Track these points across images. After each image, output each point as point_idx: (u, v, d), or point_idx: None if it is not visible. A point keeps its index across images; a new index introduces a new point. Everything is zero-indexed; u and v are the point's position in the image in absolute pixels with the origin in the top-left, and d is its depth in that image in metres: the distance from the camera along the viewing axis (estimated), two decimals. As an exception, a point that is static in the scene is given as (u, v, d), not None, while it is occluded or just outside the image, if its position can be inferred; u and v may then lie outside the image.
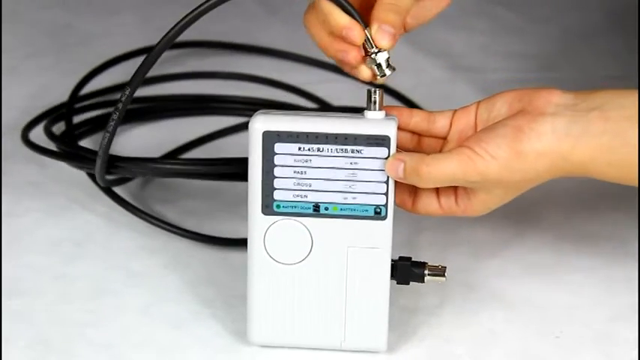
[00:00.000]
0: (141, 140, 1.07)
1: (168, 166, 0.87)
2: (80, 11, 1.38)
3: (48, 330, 0.80)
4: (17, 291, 0.84)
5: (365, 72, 0.73)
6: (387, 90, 1.13)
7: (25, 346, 0.78)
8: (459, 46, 1.27)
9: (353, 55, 0.72)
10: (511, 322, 0.80)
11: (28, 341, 0.79)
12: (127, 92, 0.77)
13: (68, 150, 0.92)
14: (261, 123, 0.71)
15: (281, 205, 0.72)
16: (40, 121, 1.03)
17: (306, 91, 1.15)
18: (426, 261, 0.76)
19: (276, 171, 0.72)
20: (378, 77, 0.73)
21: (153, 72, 1.16)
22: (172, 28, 0.73)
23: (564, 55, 1.26)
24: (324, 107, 1.11)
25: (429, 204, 0.75)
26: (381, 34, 0.72)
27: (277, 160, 0.72)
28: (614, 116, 0.70)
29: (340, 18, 0.71)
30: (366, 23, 0.72)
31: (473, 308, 0.82)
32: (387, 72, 0.73)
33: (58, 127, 1.03)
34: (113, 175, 0.88)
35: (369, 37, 0.72)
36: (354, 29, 0.71)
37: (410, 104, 1.13)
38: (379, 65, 0.72)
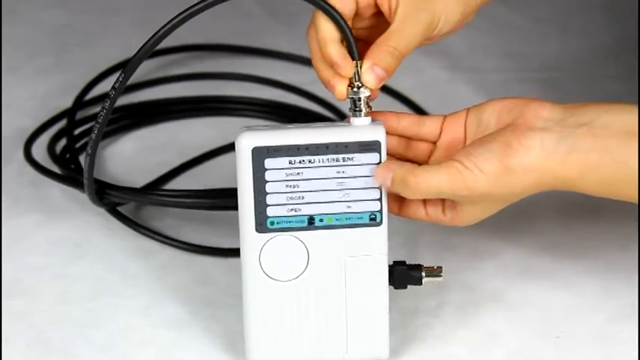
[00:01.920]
0: (142, 143, 1.07)
1: (160, 198, 0.87)
2: (80, 11, 1.38)
3: (48, 330, 0.80)
4: (17, 291, 0.84)
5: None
6: (387, 90, 1.13)
7: (25, 346, 0.78)
8: (459, 46, 1.27)
9: (338, 91, 0.71)
10: (511, 323, 0.80)
11: (28, 341, 0.79)
12: (103, 113, 0.75)
13: (69, 175, 0.92)
14: (249, 139, 0.70)
15: (275, 222, 0.71)
16: (42, 132, 1.04)
17: (306, 91, 1.15)
18: (420, 263, 0.75)
19: (268, 187, 0.70)
20: (350, 112, 0.71)
21: (154, 74, 1.17)
22: (147, 42, 0.72)
23: (564, 55, 1.26)
24: (330, 108, 1.11)
25: (415, 211, 0.75)
26: (371, 75, 0.71)
27: (268, 175, 0.70)
28: (602, 133, 0.69)
29: (333, 52, 0.71)
30: (361, 54, 0.71)
31: (473, 309, 0.82)
32: (364, 109, 0.71)
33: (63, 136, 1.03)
34: (106, 199, 0.88)
35: (358, 69, 0.71)
36: (343, 67, 0.71)
37: (410, 104, 1.13)
38: (357, 100, 0.71)
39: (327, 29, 0.71)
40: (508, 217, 0.93)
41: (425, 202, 0.74)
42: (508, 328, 0.80)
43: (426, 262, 0.76)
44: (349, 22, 0.72)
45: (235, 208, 0.72)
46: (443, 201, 0.74)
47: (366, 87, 0.71)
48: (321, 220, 0.71)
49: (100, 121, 0.74)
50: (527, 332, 0.80)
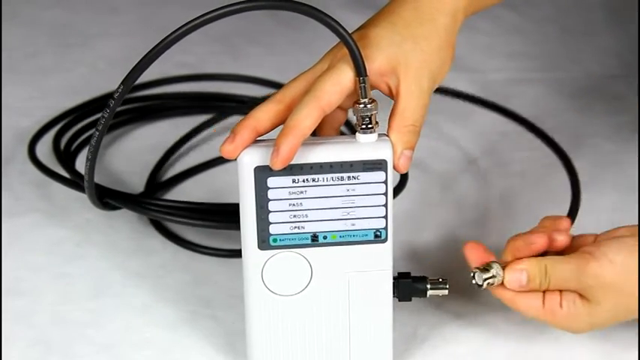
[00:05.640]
0: (142, 141, 1.07)
1: (158, 214, 0.86)
2: (80, 11, 1.38)
3: (48, 330, 0.80)
4: (17, 291, 0.84)
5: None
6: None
7: (25, 346, 0.78)
8: (460, 46, 1.27)
9: (229, 146, 0.68)
10: (512, 322, 0.80)
11: (28, 341, 0.79)
12: (103, 121, 0.74)
13: (72, 178, 0.92)
14: (251, 158, 0.68)
15: (278, 239, 0.70)
16: (45, 132, 1.04)
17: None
18: (425, 275, 0.75)
19: (271, 205, 0.69)
20: (357, 128, 0.69)
21: (154, 75, 1.17)
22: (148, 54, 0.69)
23: (565, 55, 1.26)
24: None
25: (531, 301, 0.73)
26: (405, 162, 0.70)
27: (271, 194, 0.69)
28: None
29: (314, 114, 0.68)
30: None
31: (473, 308, 0.82)
32: (371, 126, 0.69)
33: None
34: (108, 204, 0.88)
35: (365, 85, 0.68)
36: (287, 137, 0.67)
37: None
38: (365, 117, 0.69)
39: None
40: (509, 216, 0.93)
41: (544, 292, 0.73)
42: (508, 328, 0.80)
43: (426, 263, 0.76)
44: (332, 108, 0.69)
45: (233, 228, 0.70)
46: (561, 293, 0.73)
47: (399, 172, 0.71)
48: (324, 238, 0.70)
49: (100, 128, 0.73)
50: (527, 332, 0.79)
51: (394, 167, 0.70)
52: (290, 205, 0.69)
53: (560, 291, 0.73)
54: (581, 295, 0.72)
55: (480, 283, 0.73)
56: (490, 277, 0.73)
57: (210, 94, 1.14)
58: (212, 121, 1.07)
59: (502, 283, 0.73)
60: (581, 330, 0.73)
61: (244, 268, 0.71)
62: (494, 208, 0.96)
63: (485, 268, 0.73)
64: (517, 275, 0.72)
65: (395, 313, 0.73)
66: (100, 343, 0.79)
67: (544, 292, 0.73)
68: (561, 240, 0.75)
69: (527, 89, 1.17)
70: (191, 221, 0.85)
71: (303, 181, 0.69)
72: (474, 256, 0.74)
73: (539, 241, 0.74)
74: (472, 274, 0.74)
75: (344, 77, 0.68)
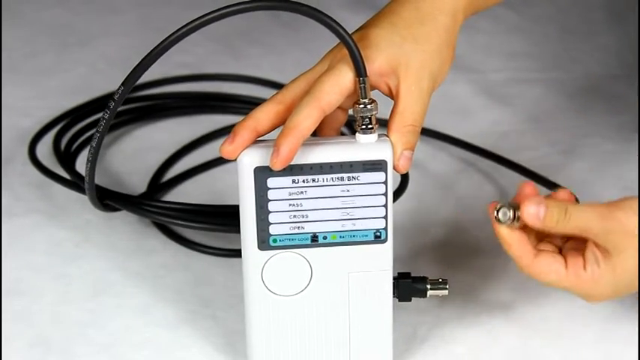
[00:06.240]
0: (143, 141, 1.07)
1: (157, 216, 0.85)
2: (80, 11, 1.38)
3: (48, 330, 0.80)
4: (17, 291, 0.84)
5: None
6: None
7: (25, 346, 0.78)
8: (460, 46, 1.27)
9: (230, 144, 0.68)
10: (511, 322, 0.80)
11: (28, 341, 0.79)
12: (103, 122, 0.73)
13: (73, 179, 0.92)
14: (251, 158, 0.68)
15: (278, 239, 0.70)
16: (45, 132, 1.04)
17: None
18: (426, 275, 0.74)
19: (271, 206, 0.69)
20: (357, 128, 0.69)
21: (154, 75, 1.17)
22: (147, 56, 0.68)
23: (565, 55, 1.26)
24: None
25: (553, 264, 0.70)
26: (406, 162, 0.70)
27: (271, 194, 0.69)
28: None
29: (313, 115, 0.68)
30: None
31: (473, 308, 0.82)
32: (371, 126, 0.69)
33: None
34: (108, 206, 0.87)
35: (365, 86, 0.68)
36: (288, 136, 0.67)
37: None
38: (365, 118, 0.69)
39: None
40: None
41: (565, 257, 0.71)
42: (508, 327, 0.80)
43: (426, 263, 0.76)
44: (332, 109, 0.69)
45: (233, 231, 0.70)
46: (584, 254, 0.70)
47: (399, 172, 0.70)
48: (324, 238, 0.70)
49: (100, 130, 0.73)
50: (526, 331, 0.80)
51: (394, 168, 0.70)
52: (290, 205, 0.69)
53: (583, 254, 0.70)
54: (602, 251, 0.69)
55: (508, 217, 0.69)
56: (516, 218, 0.69)
57: (210, 94, 1.14)
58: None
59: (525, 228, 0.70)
60: (604, 296, 0.70)
61: (244, 269, 0.71)
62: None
63: (512, 205, 0.70)
64: (535, 207, 0.68)
65: (395, 313, 0.73)
66: (100, 343, 0.79)
67: (565, 258, 0.70)
68: (562, 193, 0.73)
69: (527, 89, 1.17)
70: (191, 224, 0.85)
71: (303, 181, 0.69)
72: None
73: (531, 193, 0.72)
74: (497, 209, 0.69)
75: (344, 78, 0.68)
